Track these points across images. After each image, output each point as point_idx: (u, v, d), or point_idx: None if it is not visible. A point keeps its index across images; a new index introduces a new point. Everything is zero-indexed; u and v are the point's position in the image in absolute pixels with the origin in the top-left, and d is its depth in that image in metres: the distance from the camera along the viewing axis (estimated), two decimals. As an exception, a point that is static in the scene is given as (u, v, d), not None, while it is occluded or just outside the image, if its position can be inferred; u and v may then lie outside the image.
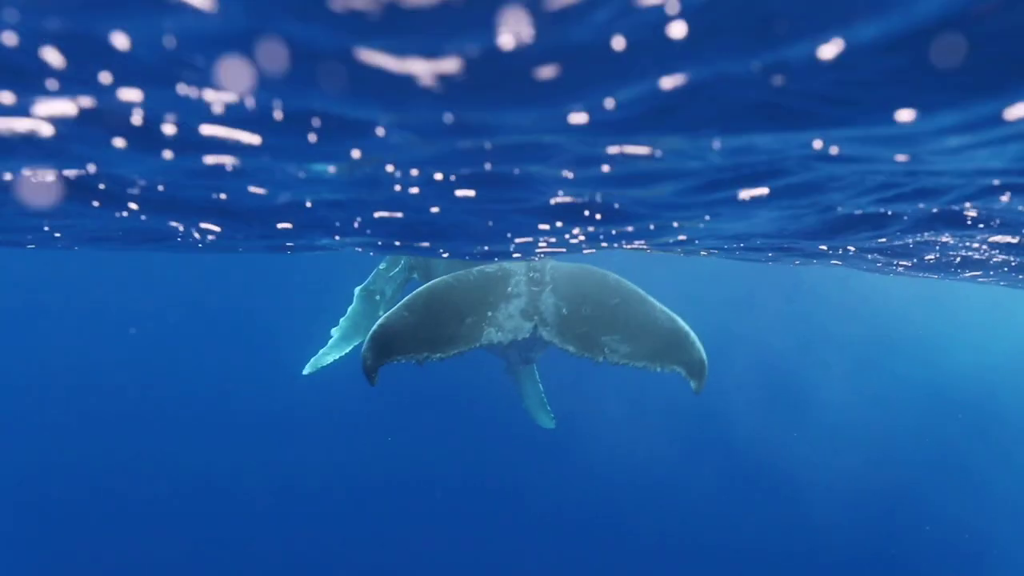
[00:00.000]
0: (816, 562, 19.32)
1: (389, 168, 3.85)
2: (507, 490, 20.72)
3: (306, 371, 8.63)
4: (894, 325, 24.88)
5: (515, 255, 7.29)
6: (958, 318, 24.33)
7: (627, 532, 19.86)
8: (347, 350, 8.60)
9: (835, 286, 23.73)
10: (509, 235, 6.23)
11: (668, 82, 2.46)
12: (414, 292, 6.47)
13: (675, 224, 5.76)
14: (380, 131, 3.00)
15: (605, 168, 3.87)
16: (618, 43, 2.12)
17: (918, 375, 24.55)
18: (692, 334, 6.25)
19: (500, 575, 18.99)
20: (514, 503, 20.42)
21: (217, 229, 6.19)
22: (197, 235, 6.48)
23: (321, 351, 8.70)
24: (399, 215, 5.51)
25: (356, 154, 3.51)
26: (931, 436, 22.80)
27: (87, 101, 2.75)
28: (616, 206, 4.86)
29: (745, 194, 4.59)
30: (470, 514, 20.03)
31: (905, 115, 2.77)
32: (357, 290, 8.83)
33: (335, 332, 8.76)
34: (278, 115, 2.86)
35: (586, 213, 5.09)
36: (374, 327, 6.31)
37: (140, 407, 21.56)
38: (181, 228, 6.14)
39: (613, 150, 3.45)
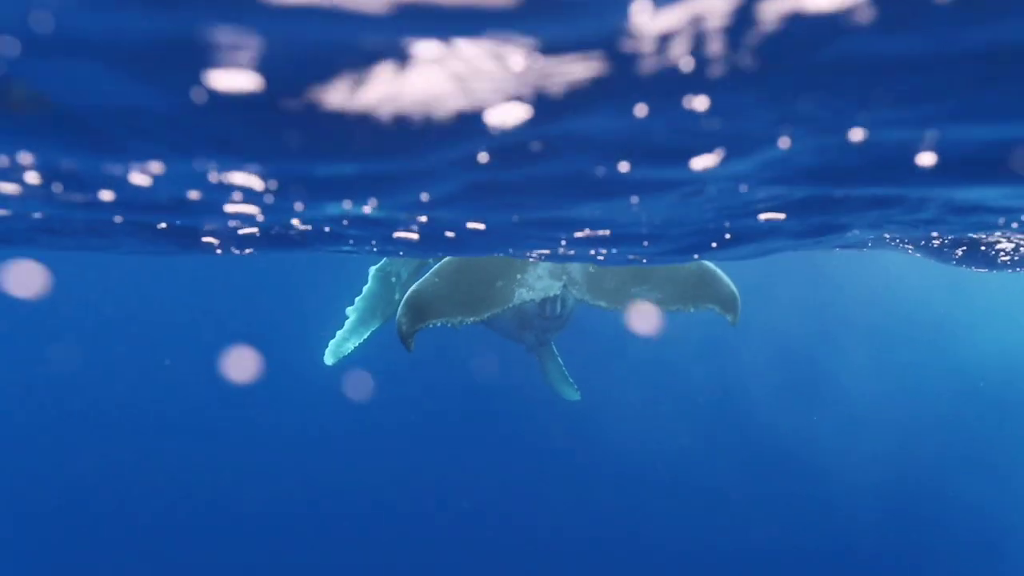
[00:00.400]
0: (836, 547, 19.33)
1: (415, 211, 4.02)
2: (527, 484, 20.69)
3: (328, 361, 8.46)
4: (914, 311, 24.65)
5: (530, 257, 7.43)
6: (978, 303, 24.09)
7: (646, 521, 19.84)
8: (366, 335, 8.42)
9: (854, 273, 23.54)
10: (529, 252, 6.40)
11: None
12: (443, 260, 6.54)
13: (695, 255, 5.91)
14: (424, 197, 3.18)
15: (634, 199, 4.01)
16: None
17: (938, 361, 24.34)
18: (719, 271, 6.35)
19: (519, 567, 19.11)
20: (534, 496, 20.41)
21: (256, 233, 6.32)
22: (236, 250, 6.64)
23: (339, 335, 8.50)
24: (416, 237, 5.66)
25: (370, 207, 3.67)
26: (952, 422, 22.61)
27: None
28: (645, 243, 5.01)
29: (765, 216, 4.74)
30: (487, 512, 20.03)
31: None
32: (372, 270, 8.65)
33: (351, 313, 8.56)
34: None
35: (603, 247, 5.23)
36: (408, 294, 6.47)
37: (153, 412, 21.14)
38: (217, 242, 6.32)
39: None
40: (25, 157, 2.57)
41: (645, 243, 5.10)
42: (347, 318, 8.57)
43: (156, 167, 2.42)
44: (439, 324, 6.43)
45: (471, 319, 6.50)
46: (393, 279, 8.57)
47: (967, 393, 23.36)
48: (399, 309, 6.46)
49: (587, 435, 20.63)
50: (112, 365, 21.01)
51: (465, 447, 20.81)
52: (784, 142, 2.61)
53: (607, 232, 4.57)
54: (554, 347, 9.86)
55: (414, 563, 18.95)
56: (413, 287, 6.53)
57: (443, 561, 19.02)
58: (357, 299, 8.61)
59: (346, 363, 8.61)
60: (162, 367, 20.91)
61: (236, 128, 2.16)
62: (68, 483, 19.70)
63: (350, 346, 8.41)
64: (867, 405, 22.48)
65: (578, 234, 4.83)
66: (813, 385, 22.80)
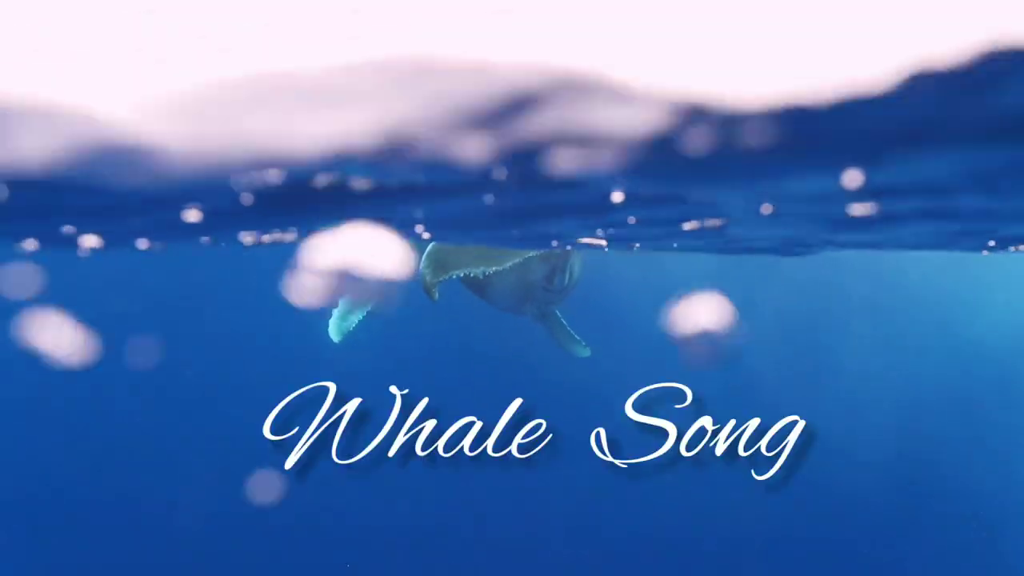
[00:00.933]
0: (836, 527, 19.44)
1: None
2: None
3: (335, 338, 8.20)
4: (918, 286, 24.43)
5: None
6: (984, 280, 23.93)
7: (644, 491, 19.76)
8: (369, 307, 8.12)
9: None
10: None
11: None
12: None
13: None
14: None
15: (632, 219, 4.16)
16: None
17: (942, 337, 24.22)
18: None
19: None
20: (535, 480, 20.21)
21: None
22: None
23: (342, 305, 8.21)
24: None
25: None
26: (955, 400, 22.52)
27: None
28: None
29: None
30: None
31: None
32: None
33: None
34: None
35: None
36: (430, 247, 6.66)
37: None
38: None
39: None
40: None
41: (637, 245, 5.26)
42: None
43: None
44: (460, 275, 6.68)
45: (492, 269, 6.69)
46: None
47: (970, 371, 23.25)
48: (422, 262, 6.63)
49: (590, 411, 20.56)
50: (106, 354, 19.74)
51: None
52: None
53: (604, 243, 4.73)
54: (558, 313, 9.88)
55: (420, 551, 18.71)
56: (432, 246, 6.68)
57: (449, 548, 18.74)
58: None
59: (352, 342, 8.36)
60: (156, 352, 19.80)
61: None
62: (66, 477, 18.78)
63: (354, 320, 8.17)
64: (868, 380, 22.49)
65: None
66: (814, 359, 22.73)
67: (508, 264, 6.77)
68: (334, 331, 8.24)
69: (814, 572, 19.12)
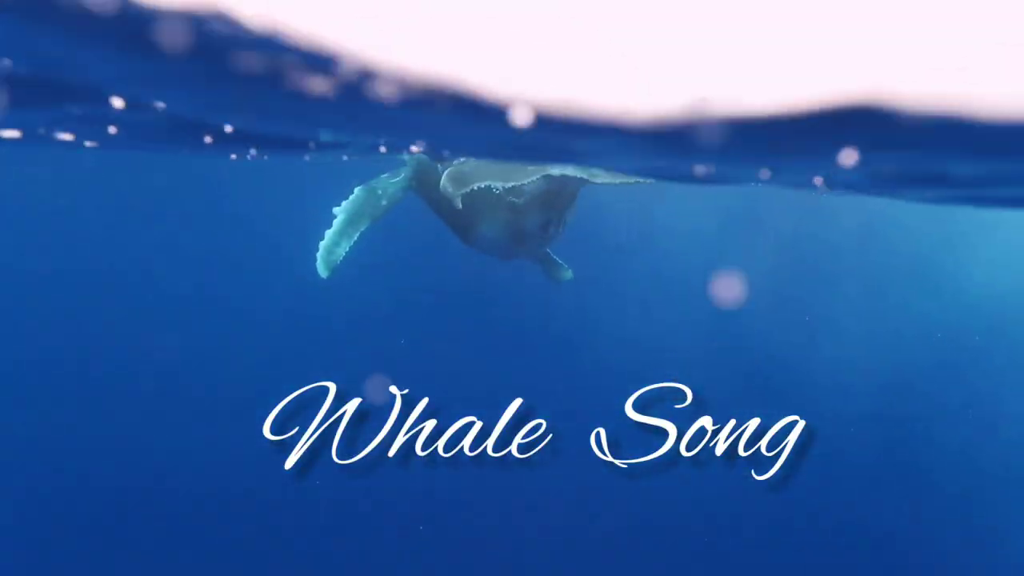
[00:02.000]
0: (823, 492, 19.63)
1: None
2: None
3: (323, 273, 8.14)
4: (908, 248, 24.35)
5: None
6: (970, 244, 23.86)
7: (644, 491, 19.74)
8: (355, 236, 8.18)
9: (848, 205, 23.13)
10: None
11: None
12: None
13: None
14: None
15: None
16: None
17: (928, 302, 24.21)
18: None
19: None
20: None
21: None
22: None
23: (328, 237, 8.19)
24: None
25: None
26: (941, 364, 22.62)
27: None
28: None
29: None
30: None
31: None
32: (357, 189, 8.43)
33: (339, 212, 8.27)
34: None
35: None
36: (449, 169, 7.16)
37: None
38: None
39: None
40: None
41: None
42: (335, 218, 8.33)
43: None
44: (481, 187, 7.08)
45: (511, 184, 7.13)
46: (380, 191, 8.41)
47: (955, 336, 23.30)
48: (443, 179, 7.12)
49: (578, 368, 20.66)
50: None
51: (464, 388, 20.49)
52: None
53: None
54: (549, 253, 9.87)
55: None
56: (453, 165, 7.18)
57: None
58: (344, 202, 8.38)
59: (343, 277, 8.38)
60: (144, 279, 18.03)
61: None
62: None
63: (341, 252, 8.15)
64: (857, 341, 22.58)
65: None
66: (804, 316, 22.77)
67: (527, 180, 7.13)
68: (322, 264, 8.16)
69: (813, 571, 19.44)
